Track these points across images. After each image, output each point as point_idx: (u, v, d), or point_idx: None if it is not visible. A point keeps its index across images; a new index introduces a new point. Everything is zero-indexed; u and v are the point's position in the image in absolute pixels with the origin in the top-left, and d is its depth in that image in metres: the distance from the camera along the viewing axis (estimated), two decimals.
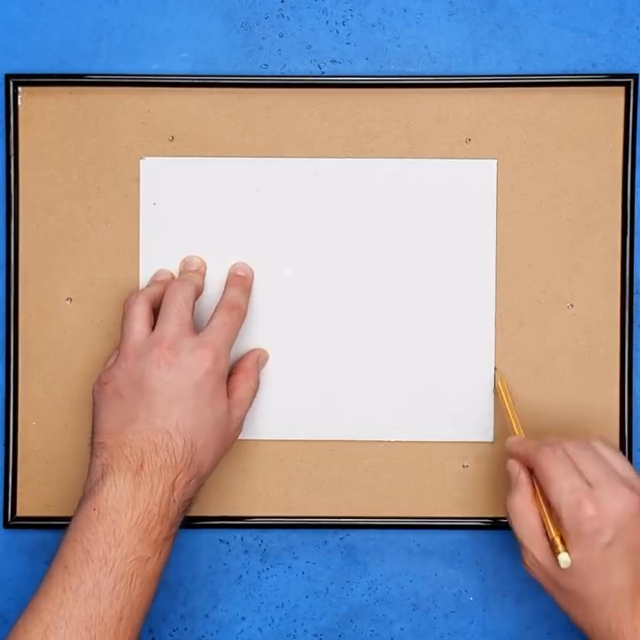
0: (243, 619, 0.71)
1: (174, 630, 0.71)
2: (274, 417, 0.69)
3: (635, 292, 0.70)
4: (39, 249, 0.70)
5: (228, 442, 0.65)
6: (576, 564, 0.59)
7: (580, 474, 0.60)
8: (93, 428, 0.63)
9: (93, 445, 0.62)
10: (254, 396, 0.67)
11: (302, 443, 0.70)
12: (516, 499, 0.62)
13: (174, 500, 0.60)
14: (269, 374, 0.69)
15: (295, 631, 0.71)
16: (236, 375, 0.66)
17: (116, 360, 0.64)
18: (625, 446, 0.69)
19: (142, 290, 0.66)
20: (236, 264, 0.69)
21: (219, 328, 0.64)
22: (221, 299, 0.67)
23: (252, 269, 0.69)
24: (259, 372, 0.68)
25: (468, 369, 0.69)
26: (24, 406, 0.70)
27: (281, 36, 0.70)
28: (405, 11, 0.70)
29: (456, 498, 0.70)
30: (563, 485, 0.59)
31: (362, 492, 0.70)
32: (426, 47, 0.70)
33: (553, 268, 0.69)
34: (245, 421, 0.67)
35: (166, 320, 0.63)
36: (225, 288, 0.68)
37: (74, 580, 0.57)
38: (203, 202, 0.69)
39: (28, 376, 0.69)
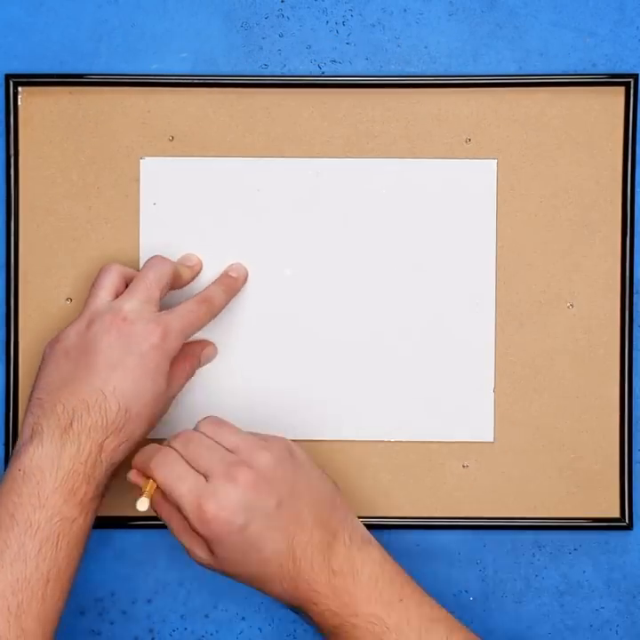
0: (243, 619, 0.71)
1: (174, 630, 0.71)
2: (274, 417, 0.69)
3: (635, 291, 0.70)
4: (39, 249, 0.70)
5: (158, 418, 0.65)
6: (229, 558, 0.59)
7: (194, 471, 0.59)
8: (35, 383, 0.63)
9: (30, 401, 0.62)
10: (186, 382, 0.67)
11: (302, 443, 0.70)
12: (157, 509, 0.61)
13: (101, 462, 0.60)
14: (269, 374, 0.69)
15: (295, 631, 0.71)
16: (177, 357, 0.65)
17: (73, 322, 0.64)
18: (625, 446, 0.69)
19: (119, 263, 0.66)
20: (231, 264, 0.69)
21: (181, 312, 0.64)
22: (201, 292, 0.67)
23: (246, 272, 0.69)
24: (199, 362, 0.68)
25: (468, 369, 0.69)
26: (24, 406, 0.69)
27: (281, 36, 0.70)
28: (405, 11, 0.70)
29: (456, 498, 0.70)
30: (180, 491, 0.58)
31: (362, 492, 0.70)
32: (426, 47, 0.70)
33: (553, 268, 0.69)
34: (245, 422, 0.67)
35: (131, 293, 0.64)
36: (210, 285, 0.68)
37: None
38: (203, 202, 0.69)
39: (28, 376, 0.69)
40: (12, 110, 0.69)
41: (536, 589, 0.71)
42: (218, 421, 0.63)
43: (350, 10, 0.70)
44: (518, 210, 0.69)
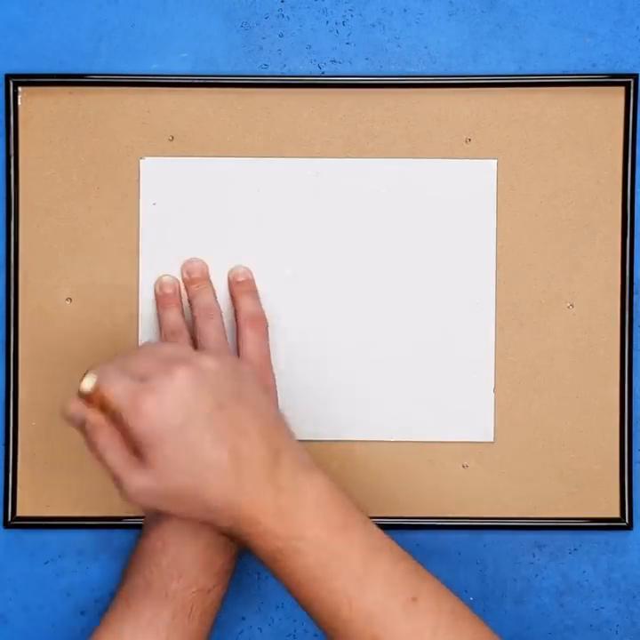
0: (243, 619, 0.71)
1: None
2: None
3: (635, 291, 0.70)
4: (39, 249, 0.70)
5: None
6: (166, 466, 0.54)
7: (131, 374, 0.55)
8: None
9: None
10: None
11: (302, 443, 0.70)
12: (89, 434, 0.56)
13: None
14: None
15: (295, 631, 0.71)
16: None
17: None
18: (625, 446, 0.69)
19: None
20: (234, 269, 0.69)
21: (253, 351, 0.66)
22: (239, 313, 0.67)
23: (250, 270, 0.69)
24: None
25: (468, 369, 0.69)
26: (24, 406, 0.70)
27: (281, 36, 0.70)
28: (405, 11, 0.70)
29: (456, 498, 0.70)
30: (115, 390, 0.54)
31: (362, 492, 0.70)
32: (426, 47, 0.70)
33: (553, 268, 0.69)
34: None
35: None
36: (235, 300, 0.68)
37: (133, 612, 0.58)
38: (202, 202, 0.69)
39: (28, 376, 0.69)
40: (11, 110, 0.69)
41: (536, 589, 0.71)
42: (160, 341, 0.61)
43: (350, 10, 0.70)
44: (518, 210, 0.69)
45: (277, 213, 0.69)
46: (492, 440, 0.70)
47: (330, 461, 0.69)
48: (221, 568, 0.59)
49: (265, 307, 0.69)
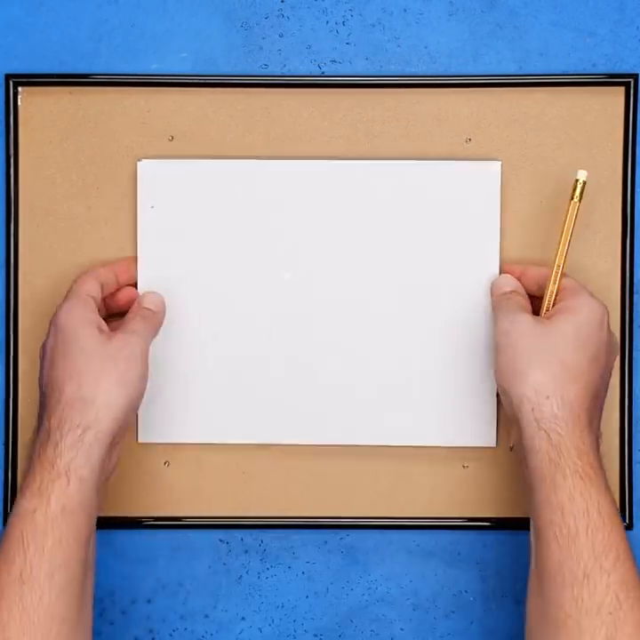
0: (243, 619, 0.71)
1: (174, 630, 0.71)
2: (274, 419, 0.69)
3: (635, 291, 0.70)
4: (39, 249, 0.70)
5: None
6: None
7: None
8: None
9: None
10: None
11: (302, 445, 0.70)
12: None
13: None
14: (270, 377, 0.69)
15: (295, 631, 0.71)
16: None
17: None
18: (625, 446, 0.69)
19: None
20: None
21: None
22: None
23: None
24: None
25: (471, 372, 0.69)
26: (24, 406, 0.70)
27: (281, 36, 0.70)
28: (405, 11, 0.70)
29: (456, 498, 0.70)
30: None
31: (362, 492, 0.70)
32: (426, 47, 0.70)
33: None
34: (246, 424, 0.67)
35: None
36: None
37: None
38: (201, 203, 0.69)
39: (28, 376, 0.69)
40: (11, 110, 0.69)
41: None
42: None
43: (350, 10, 0.70)
44: (518, 210, 0.69)
45: (277, 214, 0.69)
46: (494, 445, 0.69)
47: (330, 462, 0.69)
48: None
49: (264, 309, 0.69)
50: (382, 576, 0.71)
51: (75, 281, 0.66)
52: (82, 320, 0.63)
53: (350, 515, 0.70)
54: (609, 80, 0.69)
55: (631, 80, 0.68)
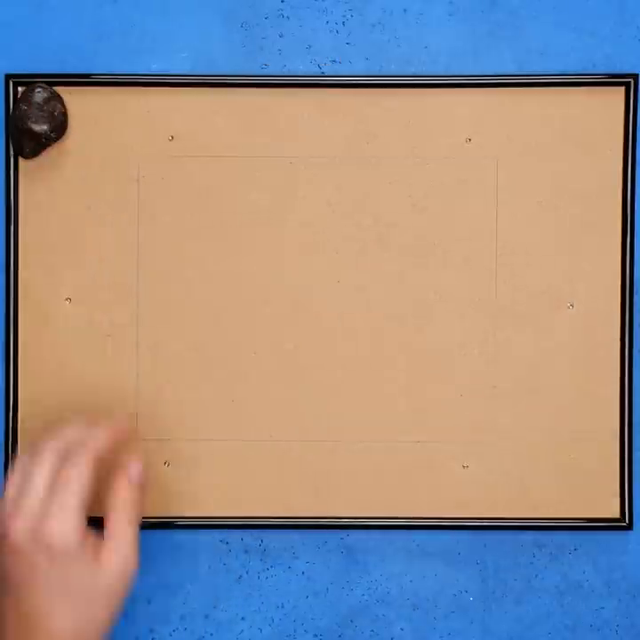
0: (243, 619, 0.71)
1: (174, 630, 0.71)
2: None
3: (635, 291, 0.70)
4: (39, 249, 0.70)
5: None
6: None
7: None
8: None
9: None
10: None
11: (303, 443, 0.70)
12: None
13: None
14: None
15: (295, 631, 0.71)
16: None
17: None
18: (625, 446, 0.69)
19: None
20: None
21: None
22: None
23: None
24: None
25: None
26: (24, 406, 0.70)
27: (281, 36, 0.70)
28: (405, 11, 0.70)
29: (456, 498, 0.70)
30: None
31: (362, 492, 0.70)
32: (426, 47, 0.70)
33: (553, 268, 0.69)
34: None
35: None
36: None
37: None
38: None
39: (28, 376, 0.69)
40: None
41: (536, 589, 0.71)
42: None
43: (350, 10, 0.70)
44: (518, 210, 0.69)
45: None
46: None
47: (330, 461, 0.70)
48: None
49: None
50: (382, 576, 0.71)
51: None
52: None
53: (350, 515, 0.70)
54: (609, 80, 0.69)
55: (631, 80, 0.68)
